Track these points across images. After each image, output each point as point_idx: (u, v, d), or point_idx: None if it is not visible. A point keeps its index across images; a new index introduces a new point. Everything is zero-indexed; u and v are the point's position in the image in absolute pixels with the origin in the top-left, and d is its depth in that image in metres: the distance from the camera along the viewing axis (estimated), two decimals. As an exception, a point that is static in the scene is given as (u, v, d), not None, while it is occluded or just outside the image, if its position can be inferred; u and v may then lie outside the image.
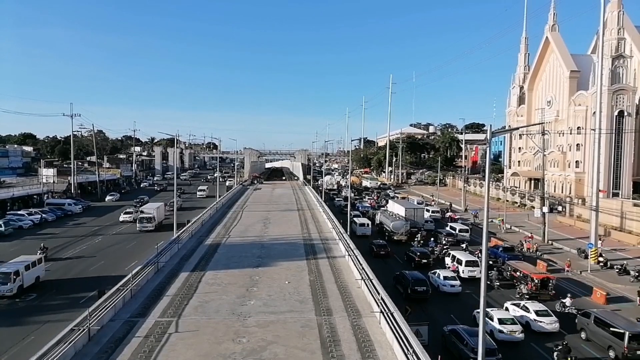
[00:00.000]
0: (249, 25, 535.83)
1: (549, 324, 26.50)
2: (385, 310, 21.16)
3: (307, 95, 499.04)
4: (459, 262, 37.30)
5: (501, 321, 25.27)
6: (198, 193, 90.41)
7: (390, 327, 19.53)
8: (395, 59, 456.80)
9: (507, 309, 28.45)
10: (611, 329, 24.14)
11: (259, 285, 27.75)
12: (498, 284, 35.14)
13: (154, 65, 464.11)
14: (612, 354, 23.80)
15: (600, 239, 46.63)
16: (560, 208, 67.68)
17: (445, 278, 33.59)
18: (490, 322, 25.14)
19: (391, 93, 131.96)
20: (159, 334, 20.20)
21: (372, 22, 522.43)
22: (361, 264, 29.16)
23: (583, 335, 26.20)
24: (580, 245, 46.82)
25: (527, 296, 31.78)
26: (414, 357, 16.68)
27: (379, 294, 22.99)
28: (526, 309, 27.67)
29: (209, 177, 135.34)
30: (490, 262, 38.12)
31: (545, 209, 52.75)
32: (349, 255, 33.38)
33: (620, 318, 25.82)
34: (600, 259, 41.65)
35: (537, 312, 27.03)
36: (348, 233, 42.25)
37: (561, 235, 54.28)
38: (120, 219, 60.18)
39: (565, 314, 29.03)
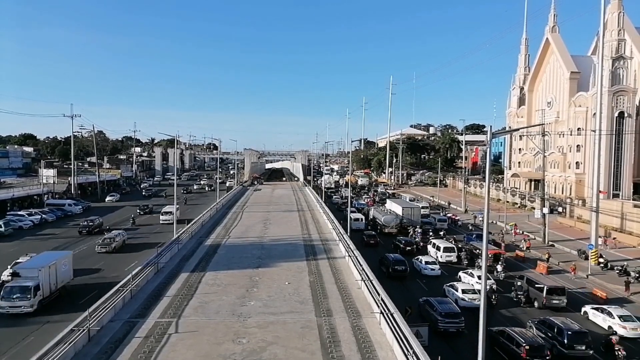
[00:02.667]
0: (250, 25, 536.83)
1: (489, 286, 30.55)
2: (385, 311, 21.15)
3: (308, 96, 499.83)
4: (438, 248, 42.71)
5: (464, 291, 30.53)
6: (161, 217, 59.32)
7: (390, 328, 19.52)
8: (396, 59, 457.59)
9: (459, 278, 34.67)
10: (536, 285, 31.09)
11: (259, 286, 27.75)
12: (466, 262, 41.18)
13: (154, 65, 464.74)
14: (536, 304, 30.87)
15: (605, 242, 46.73)
16: (560, 209, 67.65)
17: (426, 263, 38.12)
18: (455, 292, 30.71)
19: (391, 94, 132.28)
20: (158, 334, 20.18)
21: (373, 22, 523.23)
22: (361, 265, 29.14)
23: None
24: (581, 246, 46.80)
25: None
26: (414, 358, 16.66)
27: (379, 294, 22.96)
28: (471, 275, 34.28)
29: (195, 186, 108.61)
30: (460, 246, 45.06)
31: (546, 210, 52.88)
32: (349, 256, 33.36)
33: (544, 278, 33.83)
34: (601, 260, 41.64)
35: (479, 277, 31.95)
36: (348, 234, 42.25)
37: (561, 236, 54.22)
38: (3, 277, 32.95)
39: (500, 280, 35.41)
